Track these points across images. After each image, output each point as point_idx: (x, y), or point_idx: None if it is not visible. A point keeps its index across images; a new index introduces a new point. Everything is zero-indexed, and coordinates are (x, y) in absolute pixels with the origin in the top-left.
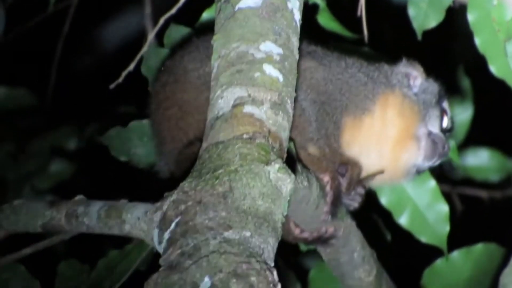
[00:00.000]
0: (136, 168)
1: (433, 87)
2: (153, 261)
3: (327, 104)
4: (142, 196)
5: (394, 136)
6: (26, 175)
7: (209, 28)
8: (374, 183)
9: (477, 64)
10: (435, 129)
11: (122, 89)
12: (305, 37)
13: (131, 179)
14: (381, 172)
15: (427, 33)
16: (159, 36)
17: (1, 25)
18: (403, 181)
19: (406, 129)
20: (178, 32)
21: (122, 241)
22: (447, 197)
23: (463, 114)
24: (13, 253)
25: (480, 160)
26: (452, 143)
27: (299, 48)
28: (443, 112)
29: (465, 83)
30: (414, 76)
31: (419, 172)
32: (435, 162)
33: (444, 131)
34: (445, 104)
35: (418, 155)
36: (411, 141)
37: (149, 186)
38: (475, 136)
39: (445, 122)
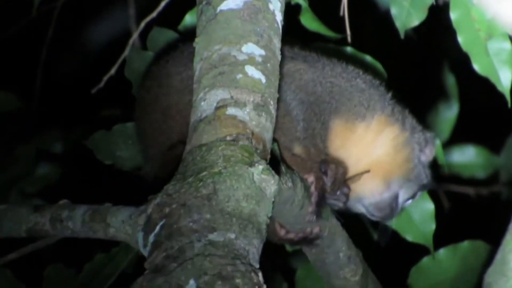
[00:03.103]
0: (120, 171)
1: (429, 174)
2: (139, 264)
3: (315, 105)
4: (127, 199)
5: (376, 160)
6: (13, 179)
7: (193, 31)
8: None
9: (462, 61)
10: (402, 198)
11: (107, 91)
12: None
13: (115, 182)
14: (367, 171)
15: (412, 31)
16: (144, 39)
17: None
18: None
19: (389, 167)
20: (161, 34)
21: (109, 244)
22: (434, 194)
23: (449, 111)
24: None
25: (466, 157)
26: (437, 141)
27: (291, 52)
28: (414, 196)
29: (450, 80)
30: (430, 150)
31: (349, 209)
32: (373, 216)
33: (400, 208)
34: (419, 195)
35: (374, 197)
36: (381, 181)
37: (134, 189)
38: (461, 133)
39: (407, 203)
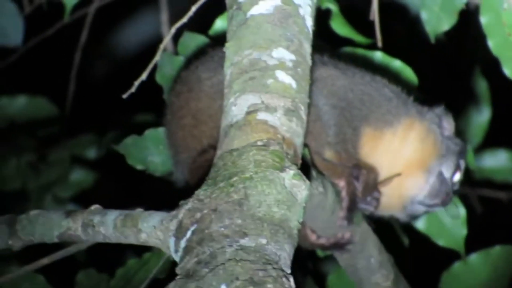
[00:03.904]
0: (152, 176)
1: (458, 141)
2: (171, 269)
3: (347, 111)
4: (158, 204)
5: (409, 159)
6: (47, 185)
7: (223, 36)
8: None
9: (494, 65)
10: (447, 176)
11: (140, 96)
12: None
13: (147, 187)
14: (397, 175)
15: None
16: (176, 44)
17: (19, 34)
18: (398, 214)
19: (422, 158)
20: (192, 39)
21: (141, 249)
22: (466, 199)
23: (480, 116)
24: (31, 263)
25: (499, 162)
26: (468, 146)
27: (323, 57)
28: (458, 167)
29: (482, 84)
30: (447, 122)
31: (414, 216)
32: (434, 206)
33: (453, 184)
34: (462, 163)
35: (423, 188)
36: (422, 171)
37: (165, 194)
38: (493, 138)
39: (457, 177)
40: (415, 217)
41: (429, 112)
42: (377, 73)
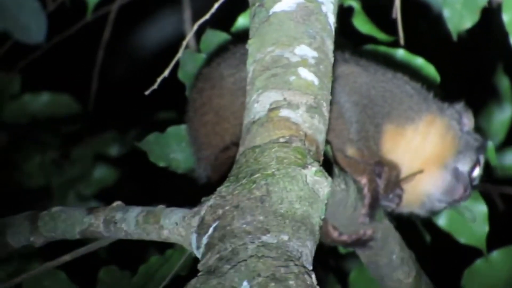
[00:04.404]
0: (174, 173)
1: (478, 137)
2: (193, 266)
3: (369, 108)
4: (180, 201)
5: (428, 156)
6: (70, 182)
7: (245, 33)
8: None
9: None
10: (464, 171)
11: (162, 94)
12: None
13: (169, 184)
14: (420, 172)
15: (465, 33)
16: (198, 41)
17: (43, 32)
18: (417, 210)
19: (440, 154)
20: (214, 37)
21: (163, 246)
22: (489, 197)
23: (503, 113)
24: (52, 259)
25: None
26: (490, 143)
27: (344, 54)
28: (477, 162)
29: (504, 82)
30: (467, 118)
31: (434, 211)
32: (452, 202)
33: (471, 181)
34: (482, 158)
35: (438, 185)
36: (438, 168)
37: (187, 191)
38: None
39: (476, 172)
40: (435, 212)
41: (449, 108)
42: (399, 70)
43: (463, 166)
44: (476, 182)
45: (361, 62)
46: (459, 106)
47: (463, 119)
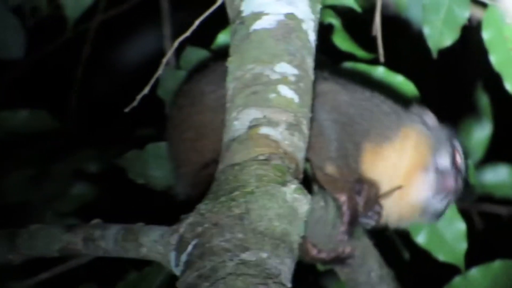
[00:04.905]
0: (154, 190)
1: (443, 126)
2: (171, 284)
3: (348, 126)
4: (159, 218)
5: (406, 168)
6: (48, 199)
7: (225, 50)
8: (397, 224)
9: (496, 80)
10: (446, 166)
11: (142, 111)
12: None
13: (148, 201)
14: (398, 188)
15: (444, 51)
16: (178, 58)
17: (21, 47)
18: (420, 220)
19: (417, 162)
20: (194, 54)
21: (142, 264)
22: (467, 214)
23: (482, 131)
24: (31, 277)
25: (500, 177)
26: (469, 162)
27: (323, 72)
28: (454, 150)
29: (484, 100)
30: (428, 116)
31: (437, 214)
32: (448, 198)
33: (458, 169)
34: (456, 142)
35: (426, 189)
36: (420, 173)
37: (166, 208)
38: (494, 153)
39: (458, 158)
40: (442, 214)
41: (410, 114)
42: (376, 88)
43: (444, 162)
44: (463, 167)
45: (340, 80)
46: (415, 108)
47: (425, 118)
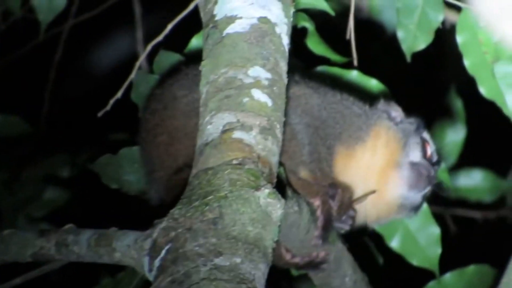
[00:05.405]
0: (126, 195)
1: (411, 119)
2: None
3: (321, 129)
4: (133, 223)
5: (379, 167)
6: (20, 203)
7: (198, 55)
8: (376, 222)
9: (469, 84)
10: (417, 158)
11: (115, 115)
12: (301, 64)
13: (121, 206)
14: (372, 192)
15: (418, 54)
16: (151, 62)
17: None
18: (399, 216)
19: (389, 159)
20: (167, 58)
21: (115, 269)
22: (441, 218)
23: (456, 135)
24: (3, 283)
25: (474, 181)
26: (442, 165)
27: (294, 76)
28: (424, 141)
29: (457, 103)
30: (394, 110)
31: (415, 207)
32: (424, 190)
33: (429, 160)
34: (426, 135)
35: (401, 184)
36: (393, 170)
37: (139, 213)
38: (468, 157)
39: (429, 151)
40: (419, 206)
41: (376, 111)
42: (345, 89)
43: (415, 155)
44: (435, 158)
45: (311, 83)
46: (381, 104)
47: (391, 113)
